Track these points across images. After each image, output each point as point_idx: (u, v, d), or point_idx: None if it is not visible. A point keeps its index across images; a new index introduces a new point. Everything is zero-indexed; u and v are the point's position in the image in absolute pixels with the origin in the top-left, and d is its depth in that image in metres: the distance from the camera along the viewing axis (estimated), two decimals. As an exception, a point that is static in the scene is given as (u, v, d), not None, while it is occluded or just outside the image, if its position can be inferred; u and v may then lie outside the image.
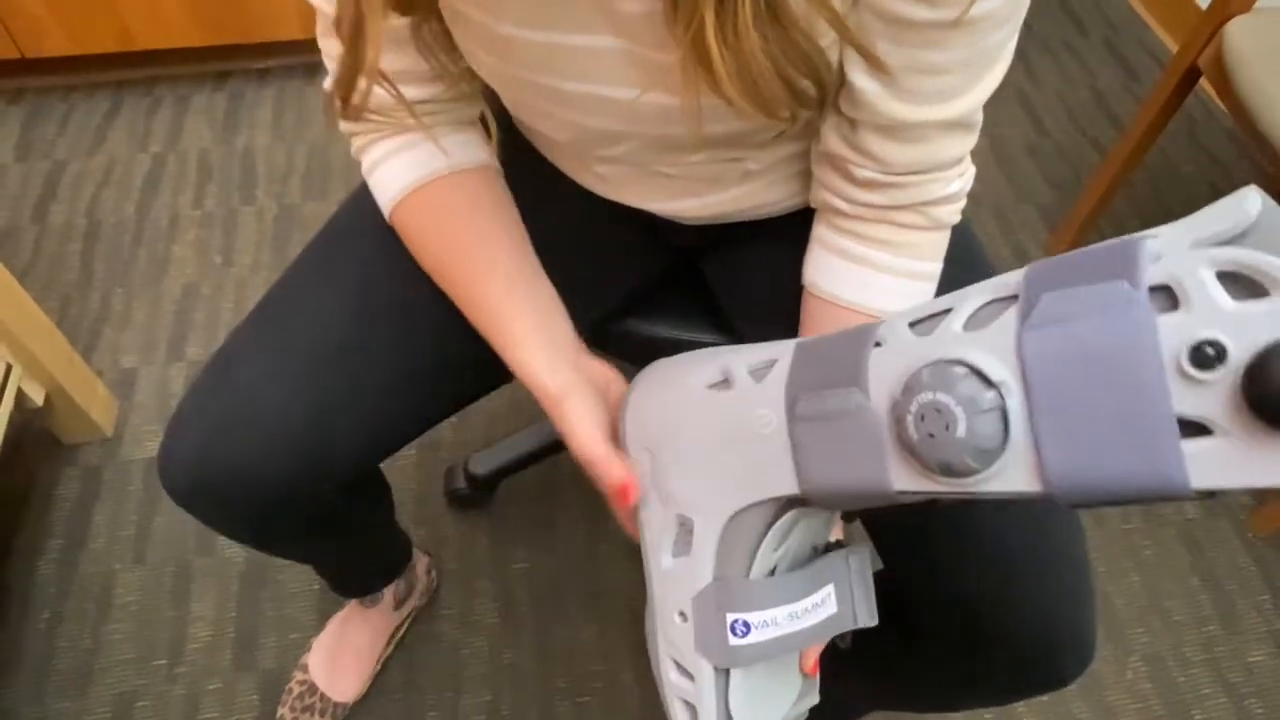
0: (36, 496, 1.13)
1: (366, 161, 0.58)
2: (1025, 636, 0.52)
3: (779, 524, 0.43)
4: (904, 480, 0.35)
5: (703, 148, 0.54)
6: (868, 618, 0.46)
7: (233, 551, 1.09)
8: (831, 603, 0.45)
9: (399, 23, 0.50)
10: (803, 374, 0.40)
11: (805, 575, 0.44)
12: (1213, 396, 0.28)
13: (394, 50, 0.52)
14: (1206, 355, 0.28)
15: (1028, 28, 1.80)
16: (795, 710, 0.48)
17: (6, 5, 1.45)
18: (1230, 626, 1.08)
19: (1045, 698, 1.01)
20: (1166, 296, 0.29)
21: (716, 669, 0.44)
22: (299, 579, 1.07)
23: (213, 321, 1.31)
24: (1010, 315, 0.32)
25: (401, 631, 1.02)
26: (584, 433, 0.49)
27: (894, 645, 0.62)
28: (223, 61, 1.66)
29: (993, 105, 1.83)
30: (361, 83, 0.46)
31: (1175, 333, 0.28)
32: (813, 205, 0.56)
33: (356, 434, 0.60)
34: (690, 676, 0.44)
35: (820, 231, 0.55)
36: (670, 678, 0.46)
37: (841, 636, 0.47)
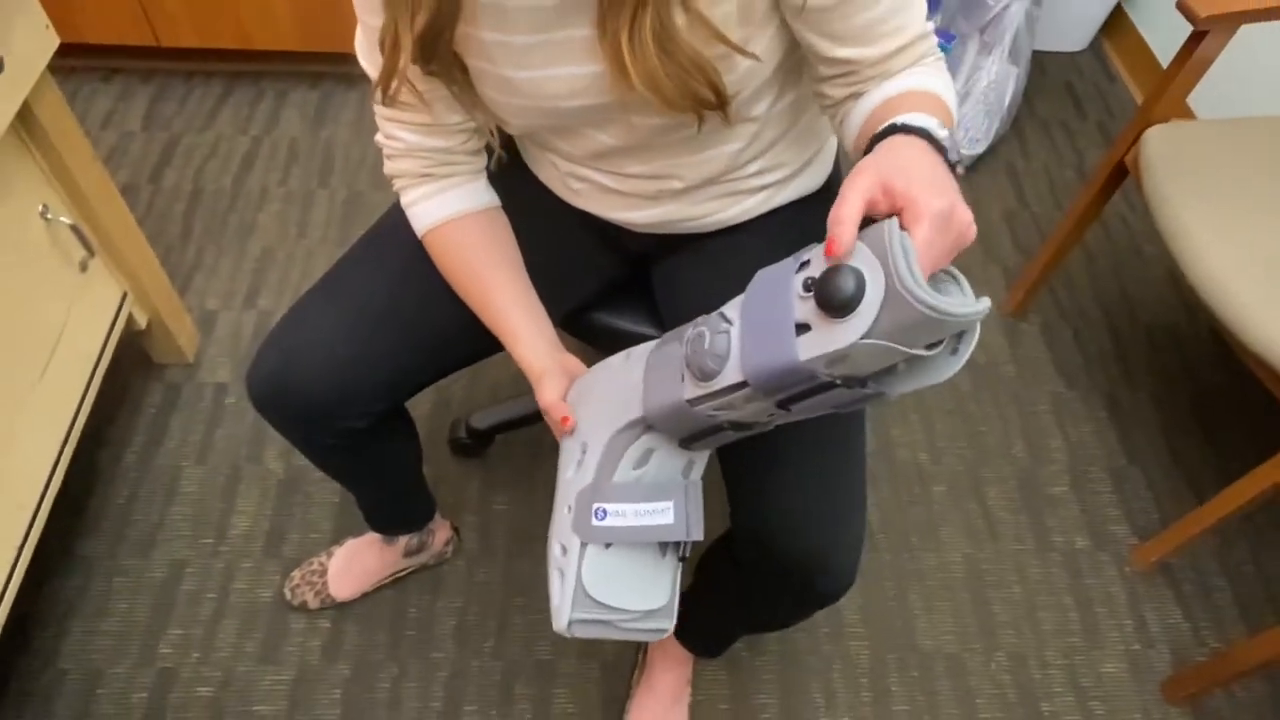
0: (128, 401, 1.40)
1: (404, 200, 0.81)
2: (796, 554, 0.71)
3: (636, 445, 0.65)
4: (689, 389, 0.57)
5: (639, 151, 0.74)
6: (697, 533, 0.65)
7: (276, 465, 1.35)
8: (669, 514, 0.64)
9: (435, 85, 0.72)
10: (660, 343, 0.64)
11: (652, 488, 0.65)
12: (809, 307, 0.50)
13: (431, 107, 0.73)
14: (809, 284, 0.50)
15: (1030, 107, 2.00)
16: (643, 623, 0.66)
17: (150, 1, 1.74)
18: (1092, 641, 1.26)
19: (915, 671, 1.21)
20: (806, 267, 0.52)
21: (582, 543, 0.63)
22: (324, 494, 1.32)
23: (283, 281, 1.58)
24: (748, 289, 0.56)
25: (404, 574, 1.24)
26: (549, 393, 0.73)
27: (730, 574, 0.83)
28: (319, 65, 1.94)
29: (981, 174, 2.07)
30: (394, 82, 0.68)
31: (799, 279, 0.51)
32: (863, 134, 0.65)
33: (388, 373, 0.84)
34: (566, 551, 0.64)
35: (874, 113, 0.65)
36: (555, 553, 0.66)
37: (680, 548, 0.67)
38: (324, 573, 1.19)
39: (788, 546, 0.71)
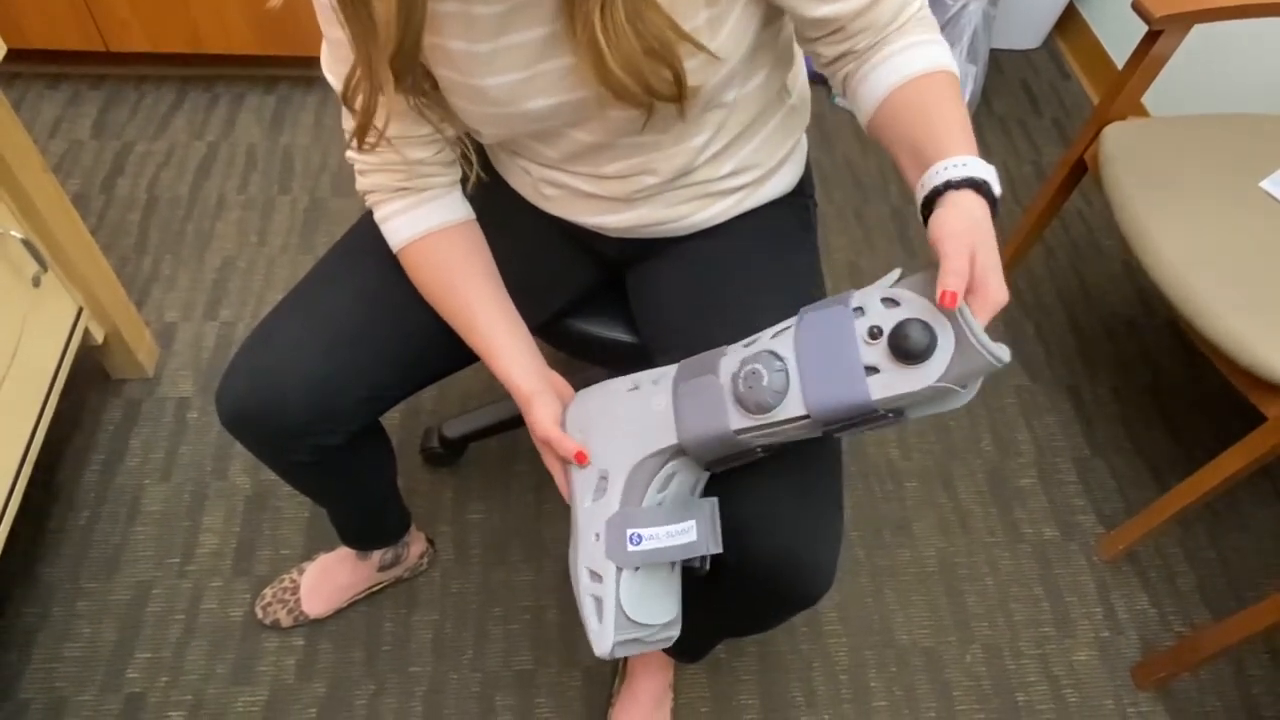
0: (86, 418, 1.36)
1: (377, 216, 0.79)
2: (776, 557, 0.71)
3: (663, 472, 0.67)
4: (737, 420, 0.61)
5: (616, 147, 0.73)
6: (716, 547, 0.67)
7: (242, 480, 1.32)
8: (693, 532, 0.67)
9: (400, 98, 0.71)
10: (683, 374, 0.66)
11: (679, 509, 0.68)
12: (878, 352, 0.56)
13: (397, 120, 0.71)
14: (876, 332, 0.56)
15: (987, 106, 2.03)
16: (663, 633, 0.69)
17: (97, 4, 1.68)
18: (1063, 630, 1.28)
19: (893, 667, 1.22)
20: (860, 313, 0.58)
21: (619, 568, 0.66)
22: (294, 509, 1.29)
23: (244, 291, 1.55)
24: (790, 327, 0.62)
25: (379, 588, 1.22)
26: (545, 421, 0.72)
27: (709, 580, 0.83)
28: (275, 68, 1.90)
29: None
30: (379, 121, 0.66)
31: (861, 325, 0.57)
32: (869, 95, 0.68)
33: (359, 391, 0.82)
34: (600, 578, 0.66)
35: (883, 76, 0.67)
36: (585, 582, 0.67)
37: (700, 563, 0.69)
38: (296, 590, 1.17)
39: (767, 550, 0.72)
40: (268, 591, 1.18)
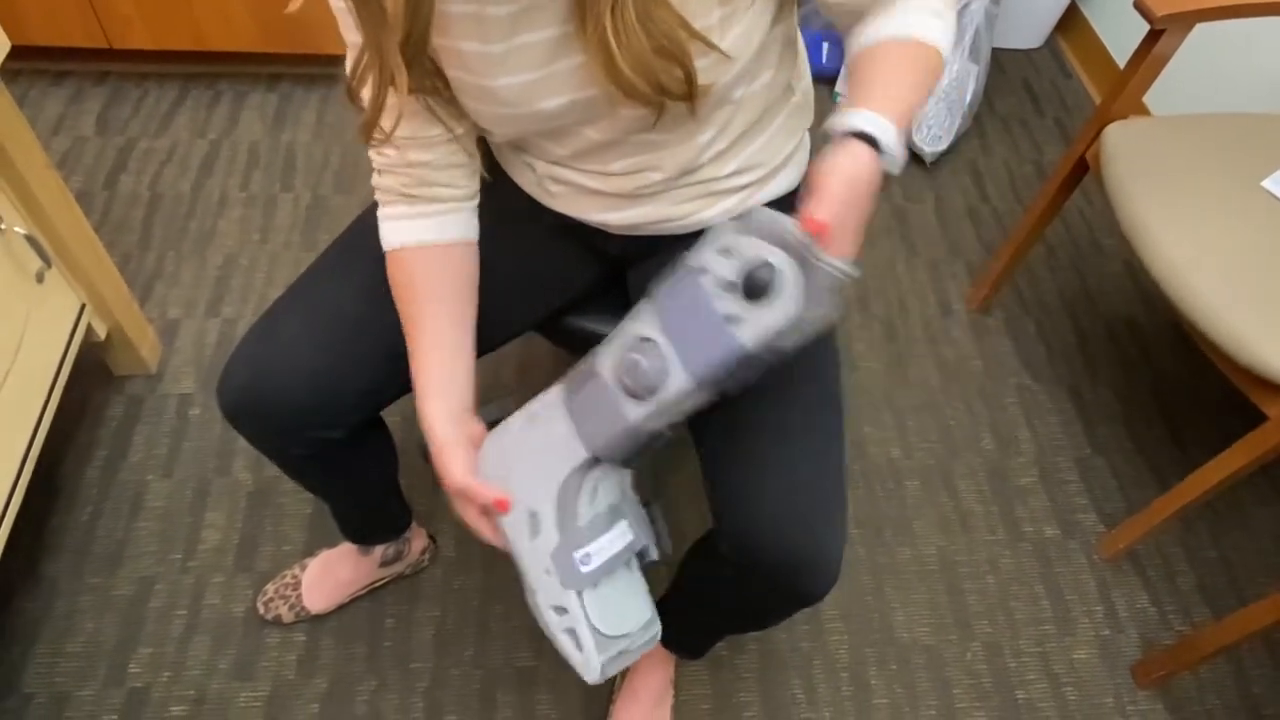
0: (89, 415, 1.37)
1: (379, 213, 0.78)
2: (783, 556, 0.72)
3: (586, 486, 0.67)
4: (632, 411, 0.61)
5: (625, 144, 0.73)
6: (649, 537, 0.69)
7: (245, 476, 1.32)
8: (628, 530, 0.68)
9: (411, 98, 0.70)
10: (569, 389, 0.67)
11: (607, 516, 0.68)
12: (735, 302, 0.58)
13: (409, 120, 0.71)
14: (726, 285, 0.58)
15: (989, 104, 2.03)
16: (645, 635, 0.69)
17: (101, 1, 1.69)
18: (1063, 629, 1.29)
19: (894, 665, 1.23)
20: (703, 272, 0.60)
21: (578, 593, 0.66)
22: (296, 504, 1.30)
23: (246, 288, 1.55)
24: (648, 309, 0.63)
25: (380, 584, 1.22)
26: (458, 472, 0.71)
27: (714, 576, 0.83)
28: (278, 66, 1.91)
29: (944, 171, 2.10)
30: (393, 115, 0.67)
31: (709, 283, 0.59)
32: (848, 55, 0.71)
33: (360, 384, 0.82)
34: (565, 610, 0.66)
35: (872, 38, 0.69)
36: (554, 620, 0.67)
37: (654, 555, 0.70)
38: (298, 585, 1.17)
39: (774, 548, 0.72)
40: (270, 587, 1.18)
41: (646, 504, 0.73)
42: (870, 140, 0.59)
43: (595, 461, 0.66)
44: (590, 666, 0.66)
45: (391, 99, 0.65)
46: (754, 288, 0.56)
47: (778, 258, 0.56)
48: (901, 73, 0.66)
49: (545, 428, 0.68)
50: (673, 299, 0.61)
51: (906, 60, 0.66)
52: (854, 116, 0.60)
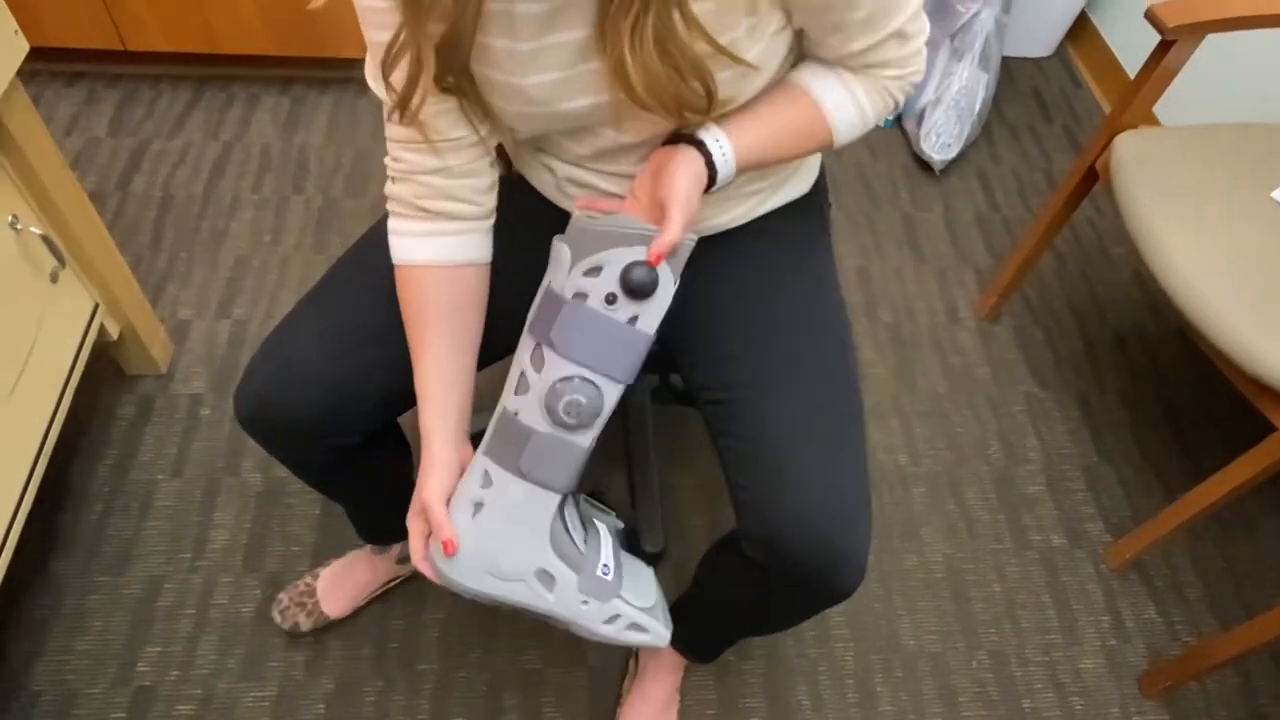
0: (100, 414, 1.37)
1: (389, 225, 0.78)
2: (813, 556, 0.72)
3: (567, 519, 0.72)
4: (583, 440, 0.68)
5: (637, 148, 0.73)
6: (611, 514, 0.79)
7: (254, 477, 1.33)
8: (603, 526, 0.77)
9: (446, 98, 0.69)
10: (505, 455, 0.69)
11: (588, 526, 0.76)
12: (626, 307, 0.65)
13: (433, 119, 0.69)
14: (612, 298, 0.65)
15: (999, 113, 2.03)
16: (651, 632, 0.73)
17: (115, 3, 1.70)
18: (1070, 638, 1.28)
19: (899, 672, 1.22)
20: (584, 298, 0.66)
21: (619, 597, 0.71)
22: (305, 505, 1.30)
23: (258, 289, 1.56)
24: (548, 357, 0.67)
25: (396, 581, 1.23)
26: (435, 493, 0.71)
27: (738, 577, 0.84)
28: (291, 69, 1.92)
29: (953, 178, 2.10)
30: (416, 98, 0.66)
31: (595, 304, 0.65)
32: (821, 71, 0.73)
33: (375, 393, 0.82)
34: (617, 615, 0.71)
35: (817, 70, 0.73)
36: (609, 630, 0.71)
37: (628, 533, 0.77)
38: (313, 593, 1.17)
39: (804, 549, 0.72)
40: (283, 596, 1.18)
41: (592, 493, 0.81)
42: (710, 163, 0.68)
43: (565, 498, 0.71)
44: (660, 635, 0.73)
45: (423, 82, 0.65)
46: (638, 288, 0.64)
47: (640, 253, 0.64)
48: (770, 108, 0.71)
49: (502, 502, 0.69)
50: (569, 330, 0.66)
51: (801, 120, 0.72)
52: (715, 138, 0.69)
